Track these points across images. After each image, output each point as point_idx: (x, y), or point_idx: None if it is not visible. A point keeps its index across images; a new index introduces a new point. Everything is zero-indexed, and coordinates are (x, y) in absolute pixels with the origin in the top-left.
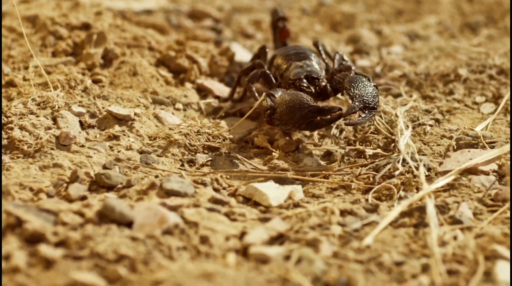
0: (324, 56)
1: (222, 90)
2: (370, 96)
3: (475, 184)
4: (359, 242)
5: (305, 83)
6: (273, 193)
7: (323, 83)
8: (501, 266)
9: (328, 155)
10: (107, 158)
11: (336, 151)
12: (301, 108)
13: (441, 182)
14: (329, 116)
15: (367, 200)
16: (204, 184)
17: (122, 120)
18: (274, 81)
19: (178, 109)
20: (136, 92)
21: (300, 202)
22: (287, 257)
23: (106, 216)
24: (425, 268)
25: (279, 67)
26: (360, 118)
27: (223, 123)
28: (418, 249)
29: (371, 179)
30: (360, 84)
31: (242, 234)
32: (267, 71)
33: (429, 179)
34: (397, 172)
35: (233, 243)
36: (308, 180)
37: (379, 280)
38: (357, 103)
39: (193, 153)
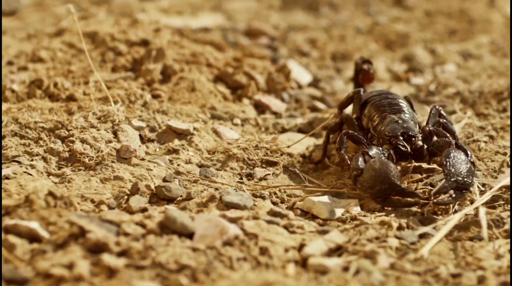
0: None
1: (280, 106)
2: (465, 176)
3: None
4: (415, 254)
5: (401, 141)
6: (331, 206)
7: (420, 143)
8: None
9: None
10: (167, 171)
11: None
12: (383, 182)
13: (490, 194)
14: (407, 200)
15: (423, 214)
16: (262, 197)
17: (181, 134)
18: (363, 141)
19: (236, 124)
20: (195, 107)
21: (357, 216)
22: (345, 268)
23: (167, 227)
24: (481, 280)
25: (372, 119)
26: (451, 198)
27: (281, 138)
28: (473, 261)
29: (426, 194)
30: (456, 161)
31: (301, 246)
32: (355, 133)
33: (483, 194)
34: None
35: (292, 255)
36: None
37: None
38: (450, 183)
39: (251, 167)
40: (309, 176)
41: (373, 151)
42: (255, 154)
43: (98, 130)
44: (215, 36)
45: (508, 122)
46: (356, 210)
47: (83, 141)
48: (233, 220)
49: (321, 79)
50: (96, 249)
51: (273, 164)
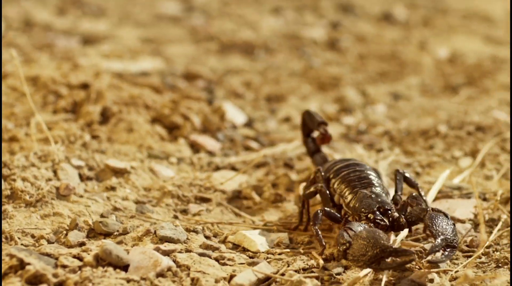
0: (399, 184)
1: (214, 145)
2: (452, 235)
3: None
4: (340, 284)
5: (379, 216)
6: (261, 240)
7: (396, 214)
8: None
9: None
10: (104, 207)
11: None
12: (374, 247)
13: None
14: (401, 259)
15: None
16: (196, 231)
17: (118, 172)
18: (340, 218)
19: (172, 163)
20: (132, 147)
21: (286, 249)
22: None
23: (103, 260)
24: None
25: (344, 195)
26: (443, 256)
27: (215, 175)
28: None
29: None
30: (441, 222)
31: (231, 277)
32: (332, 211)
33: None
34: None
35: (223, 285)
36: (293, 232)
37: None
38: (439, 241)
39: (186, 203)
40: (241, 211)
41: (355, 226)
42: (189, 191)
43: (38, 168)
44: (153, 79)
45: (434, 159)
46: (285, 243)
47: (24, 179)
48: (166, 253)
49: (255, 120)
50: (34, 280)
51: (206, 200)
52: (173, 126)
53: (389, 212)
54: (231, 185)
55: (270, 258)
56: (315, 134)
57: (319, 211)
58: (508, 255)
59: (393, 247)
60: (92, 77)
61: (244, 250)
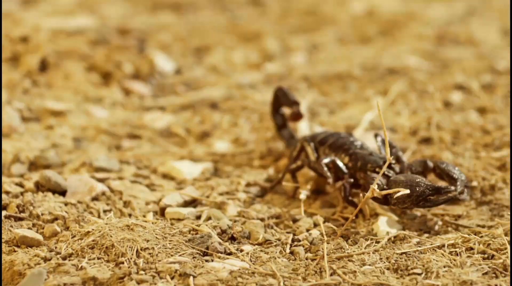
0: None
1: (145, 90)
2: (464, 176)
3: None
4: (260, 204)
5: (386, 170)
6: (188, 169)
7: (397, 169)
8: None
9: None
10: (44, 144)
11: None
12: (418, 186)
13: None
14: (445, 196)
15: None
16: (128, 163)
17: (56, 114)
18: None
19: (105, 106)
20: (69, 92)
21: (211, 176)
22: (198, 216)
23: (43, 186)
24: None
25: (343, 160)
26: (466, 194)
27: (145, 116)
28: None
29: None
30: (452, 167)
31: (160, 200)
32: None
33: None
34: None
35: (152, 207)
36: (219, 160)
37: (277, 231)
38: (460, 182)
39: (119, 140)
40: (170, 145)
41: (374, 176)
42: (122, 129)
43: None
44: (88, 34)
45: (349, 98)
46: (210, 172)
47: None
48: (101, 180)
49: (183, 67)
50: None
51: (138, 137)
52: (107, 74)
53: (392, 165)
54: (161, 124)
55: (196, 184)
56: (285, 110)
57: (346, 184)
58: None
59: (435, 185)
60: (31, 31)
61: (173, 179)
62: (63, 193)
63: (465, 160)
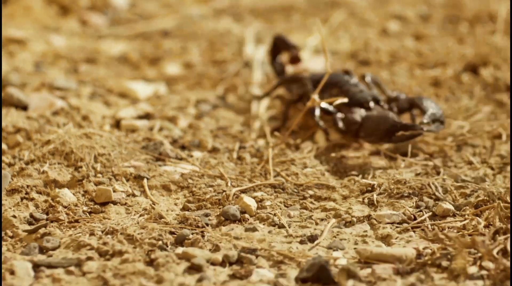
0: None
1: (101, 21)
2: (439, 112)
3: None
4: (210, 117)
5: (372, 105)
6: (142, 88)
7: (386, 106)
8: None
9: None
10: (6, 67)
11: None
12: (385, 123)
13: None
14: (410, 132)
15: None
16: (85, 83)
17: (17, 41)
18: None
19: (63, 34)
20: (30, 22)
21: (164, 95)
22: (151, 128)
23: (6, 101)
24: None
25: (333, 95)
26: (434, 128)
27: (101, 43)
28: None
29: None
30: (430, 103)
31: (116, 114)
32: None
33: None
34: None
35: (109, 120)
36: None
37: (224, 140)
38: (428, 115)
39: (76, 64)
40: (125, 68)
41: (357, 110)
42: (80, 54)
43: None
44: None
45: (293, 26)
46: (163, 91)
47: None
48: (60, 97)
49: (137, 1)
50: None
51: (95, 61)
52: (64, 6)
53: (380, 102)
54: (116, 50)
55: (150, 102)
56: (283, 58)
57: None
58: None
59: (403, 122)
60: None
61: (127, 97)
62: (25, 108)
63: (401, 78)
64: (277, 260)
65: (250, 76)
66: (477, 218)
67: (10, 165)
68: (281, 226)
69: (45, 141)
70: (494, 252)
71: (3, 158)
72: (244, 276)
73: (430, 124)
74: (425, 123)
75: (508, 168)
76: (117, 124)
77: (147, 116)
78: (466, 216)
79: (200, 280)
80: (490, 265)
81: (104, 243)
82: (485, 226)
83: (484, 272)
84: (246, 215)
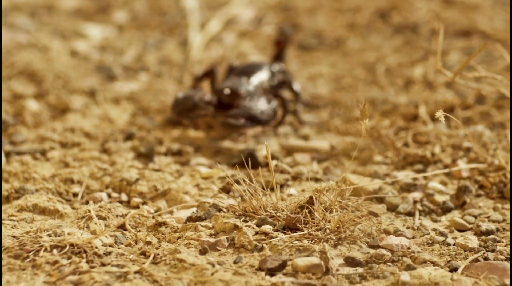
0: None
1: None
2: (258, 113)
3: None
4: (155, 50)
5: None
6: (94, 32)
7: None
8: None
9: None
10: None
11: None
12: (184, 102)
13: None
14: (198, 111)
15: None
16: (43, 25)
17: None
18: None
19: None
20: None
21: (114, 36)
22: (103, 56)
23: None
24: None
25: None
26: (241, 123)
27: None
28: None
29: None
30: (255, 102)
31: None
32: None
33: None
34: None
35: (65, 50)
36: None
37: (167, 67)
38: (242, 111)
39: (35, 12)
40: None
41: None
42: (38, 8)
43: None
44: None
45: None
46: (113, 34)
47: None
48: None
49: None
50: None
51: (51, 11)
52: None
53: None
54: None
55: (101, 41)
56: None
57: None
58: None
59: (195, 103)
60: None
61: (82, 38)
62: None
63: (321, 22)
64: (213, 153)
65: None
66: (384, 119)
67: None
68: None
69: (11, 62)
70: (397, 143)
71: None
72: (184, 163)
73: (238, 117)
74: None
75: None
76: (73, 54)
77: (99, 49)
78: (375, 119)
79: (146, 163)
80: (390, 154)
81: (65, 138)
82: (390, 126)
83: (387, 160)
84: None
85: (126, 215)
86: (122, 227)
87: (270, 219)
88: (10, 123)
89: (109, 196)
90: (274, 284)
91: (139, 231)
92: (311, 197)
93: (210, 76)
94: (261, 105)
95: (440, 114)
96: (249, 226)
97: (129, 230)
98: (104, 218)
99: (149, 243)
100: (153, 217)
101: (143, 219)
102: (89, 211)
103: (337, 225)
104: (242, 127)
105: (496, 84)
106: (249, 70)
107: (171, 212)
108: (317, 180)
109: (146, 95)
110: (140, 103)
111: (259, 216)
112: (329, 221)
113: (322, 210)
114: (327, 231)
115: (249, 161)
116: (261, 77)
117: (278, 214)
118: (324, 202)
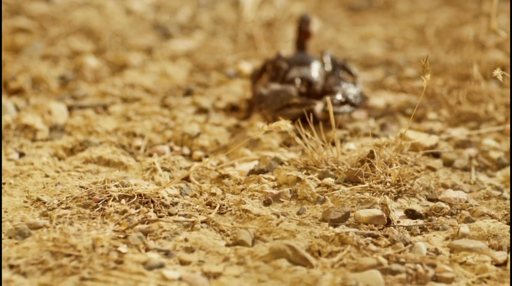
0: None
1: None
2: (352, 95)
3: None
4: (209, 9)
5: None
6: None
7: (317, 86)
8: None
9: None
10: None
11: None
12: (283, 97)
13: None
14: (302, 108)
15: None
16: None
17: None
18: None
19: None
20: None
21: None
22: (159, 15)
23: None
24: None
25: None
26: (338, 108)
27: None
28: None
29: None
30: (346, 85)
31: None
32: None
33: None
34: None
35: (122, 9)
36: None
37: (222, 26)
38: (338, 96)
39: None
40: None
41: (272, 85)
42: None
43: None
44: None
45: None
46: None
47: None
48: None
49: None
50: None
51: None
52: None
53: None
54: None
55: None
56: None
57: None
58: None
59: (297, 97)
60: None
61: None
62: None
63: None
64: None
65: None
66: (437, 78)
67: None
68: None
69: (69, 19)
70: (451, 101)
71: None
72: (243, 118)
73: (338, 105)
74: (335, 102)
75: None
76: (128, 13)
77: (154, 8)
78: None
79: (207, 118)
80: (444, 112)
81: (125, 93)
82: (443, 85)
83: (441, 118)
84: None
85: (189, 167)
86: (186, 179)
87: (331, 172)
88: (70, 78)
89: (171, 149)
90: (338, 234)
91: (203, 183)
92: (371, 151)
93: (267, 71)
94: (352, 90)
95: (498, 72)
96: (311, 178)
97: (193, 182)
98: (168, 170)
99: (213, 194)
100: (216, 170)
101: (206, 172)
102: (154, 163)
103: (397, 179)
104: (343, 113)
105: None
106: (304, 61)
107: (233, 165)
108: (374, 136)
109: (202, 53)
110: (197, 61)
111: (320, 169)
112: (389, 175)
113: (383, 164)
114: (388, 184)
115: (311, 116)
116: (318, 66)
117: (339, 167)
118: (383, 156)
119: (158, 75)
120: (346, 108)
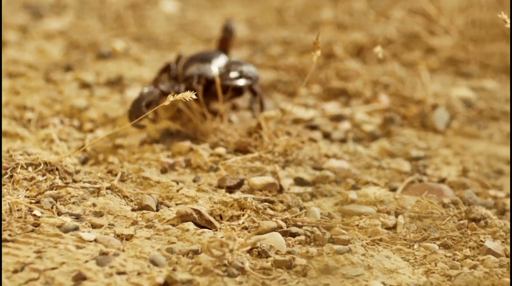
0: None
1: None
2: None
3: None
4: None
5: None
6: None
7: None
8: None
9: None
10: None
11: None
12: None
13: None
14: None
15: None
16: None
17: None
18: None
19: None
20: None
21: None
22: None
23: None
24: None
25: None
26: (238, 82)
27: None
28: None
29: None
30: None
31: None
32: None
33: None
34: None
35: None
36: None
37: None
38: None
39: None
40: None
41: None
42: None
43: None
44: None
45: None
46: None
47: None
48: None
49: None
50: None
51: None
52: None
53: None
54: None
55: None
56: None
57: None
58: None
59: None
60: None
61: None
62: None
63: None
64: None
65: None
66: (303, 57)
67: None
68: None
69: None
70: (320, 77)
71: None
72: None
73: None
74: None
75: None
76: None
77: None
78: (294, 56)
79: (91, 93)
80: (316, 87)
81: (9, 68)
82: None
83: (313, 93)
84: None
85: (84, 139)
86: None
87: (222, 143)
88: None
89: (62, 122)
90: (237, 200)
91: (99, 153)
92: (259, 123)
93: (167, 71)
94: (245, 67)
95: (379, 49)
96: (203, 148)
97: (90, 152)
98: (65, 140)
99: (111, 163)
100: (109, 140)
101: (100, 142)
102: (51, 134)
103: (285, 149)
104: (240, 87)
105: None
106: (208, 57)
107: (124, 137)
108: (250, 109)
109: (74, 32)
110: (70, 39)
111: (210, 140)
112: (277, 145)
113: (270, 135)
114: (276, 154)
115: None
116: (222, 62)
117: (228, 138)
118: (269, 128)
119: (36, 53)
120: (241, 81)
